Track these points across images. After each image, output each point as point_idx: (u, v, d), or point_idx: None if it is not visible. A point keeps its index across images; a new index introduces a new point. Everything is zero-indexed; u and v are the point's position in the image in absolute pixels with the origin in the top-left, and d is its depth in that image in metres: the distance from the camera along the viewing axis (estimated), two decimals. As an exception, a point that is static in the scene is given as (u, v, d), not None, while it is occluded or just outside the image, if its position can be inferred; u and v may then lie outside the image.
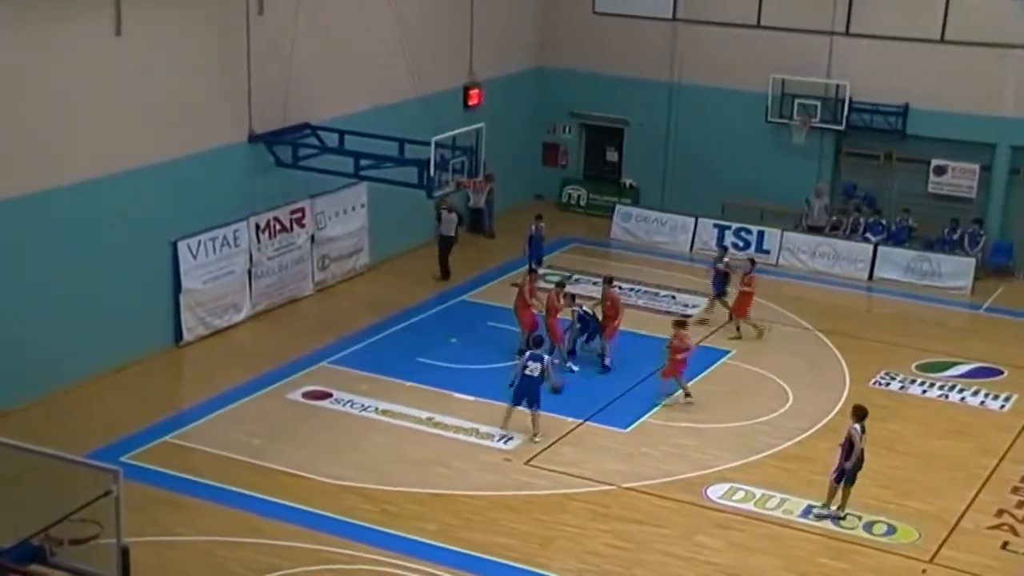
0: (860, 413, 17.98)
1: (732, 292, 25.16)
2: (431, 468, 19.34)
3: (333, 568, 16.48)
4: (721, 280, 25.47)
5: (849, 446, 17.87)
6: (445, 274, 27.27)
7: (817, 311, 26.56)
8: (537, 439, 19.98)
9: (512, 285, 25.05)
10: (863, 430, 17.90)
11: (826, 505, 18.21)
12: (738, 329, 24.52)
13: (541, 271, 26.56)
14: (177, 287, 23.14)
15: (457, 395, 21.67)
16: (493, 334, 24.15)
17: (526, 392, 20.07)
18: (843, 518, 18.06)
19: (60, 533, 12.49)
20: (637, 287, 27.24)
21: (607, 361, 22.74)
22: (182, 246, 23.12)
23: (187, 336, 23.44)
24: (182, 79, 22.77)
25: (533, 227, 27.68)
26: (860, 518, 18.21)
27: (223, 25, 23.39)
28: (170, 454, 19.45)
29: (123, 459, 18.76)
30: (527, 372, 20.02)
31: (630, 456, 19.99)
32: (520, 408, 20.17)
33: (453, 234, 27.38)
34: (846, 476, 17.99)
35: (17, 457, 12.77)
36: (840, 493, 18.11)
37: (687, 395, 21.49)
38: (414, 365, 22.73)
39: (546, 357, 20.22)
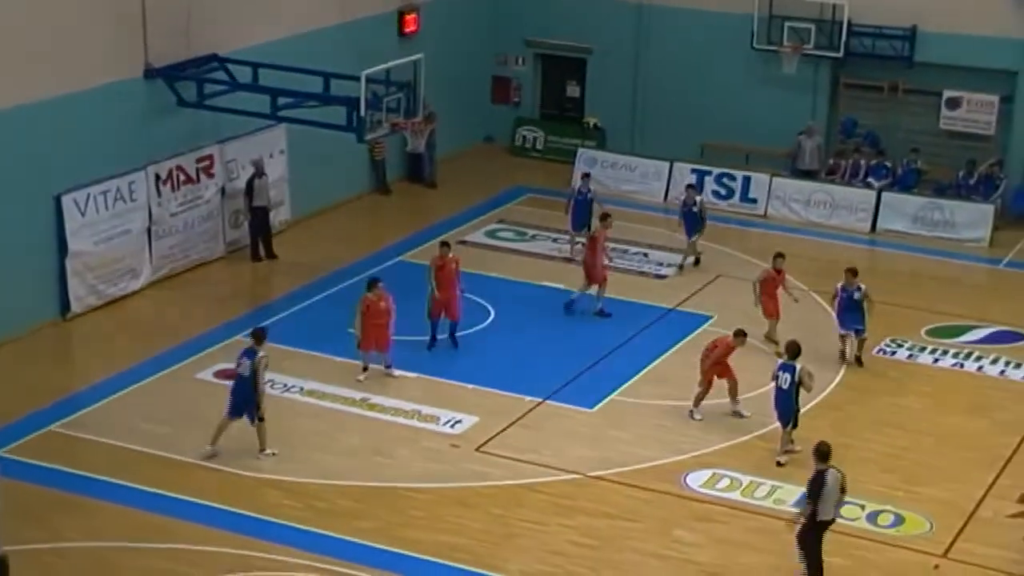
0: (792, 350, 19.39)
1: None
2: (367, 457, 19.36)
3: (253, 576, 16.48)
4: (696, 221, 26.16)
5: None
6: (271, 253, 26.14)
7: (812, 269, 26.64)
8: (267, 454, 19.04)
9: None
10: (787, 368, 19.21)
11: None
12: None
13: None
14: (63, 250, 22.96)
15: (396, 372, 21.69)
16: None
17: (241, 399, 18.90)
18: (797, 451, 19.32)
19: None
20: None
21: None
22: (67, 201, 22.91)
23: (76, 307, 23.28)
24: (63, 1, 22.45)
25: (579, 187, 27.06)
26: (863, 507, 18.39)
27: (112, -62, 23.18)
28: (57, 446, 19.31)
29: (1, 452, 18.63)
30: (239, 371, 18.85)
31: (597, 440, 20.09)
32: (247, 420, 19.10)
33: (267, 203, 26.01)
34: (783, 420, 19.45)
35: None
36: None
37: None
38: (345, 338, 22.62)
39: (259, 353, 18.69)
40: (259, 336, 19.02)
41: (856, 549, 17.56)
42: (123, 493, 18.10)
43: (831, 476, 16.33)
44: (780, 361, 19.60)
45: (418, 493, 18.48)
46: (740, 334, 20.55)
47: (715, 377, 20.58)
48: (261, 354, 18.79)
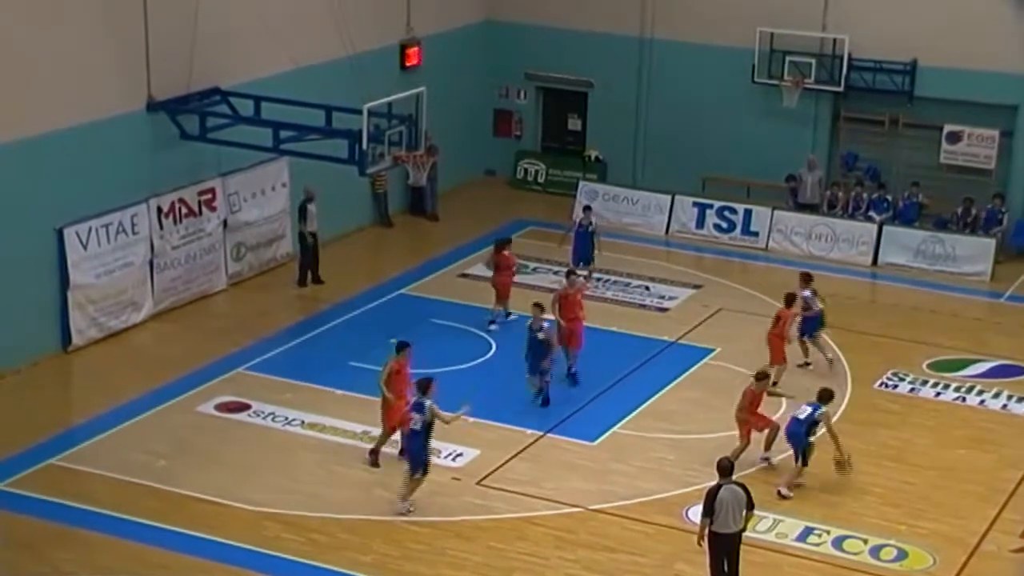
0: (824, 397, 19.57)
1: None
2: (367, 490, 19.28)
3: (252, 610, 16.44)
4: None
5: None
6: (317, 279, 26.59)
7: (814, 302, 26.71)
8: (409, 508, 18.65)
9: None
10: (813, 406, 19.38)
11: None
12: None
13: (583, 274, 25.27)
14: (64, 282, 22.94)
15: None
16: (438, 333, 24.10)
17: (408, 451, 18.82)
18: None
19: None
20: (605, 277, 27.24)
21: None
22: (69, 234, 22.91)
23: (77, 340, 23.25)
24: (66, 35, 22.52)
25: (580, 219, 26.93)
26: (866, 542, 18.34)
27: (115, -27, 23.26)
28: (58, 479, 19.23)
29: (1, 486, 18.58)
30: (412, 426, 18.46)
31: (599, 473, 20.02)
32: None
33: (315, 229, 26.52)
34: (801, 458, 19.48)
35: None
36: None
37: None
38: (346, 371, 22.64)
39: (427, 403, 18.36)
40: (424, 386, 18.47)
41: (859, 584, 17.49)
42: (123, 526, 18.02)
43: (726, 491, 16.41)
44: (810, 402, 19.50)
45: (418, 526, 18.40)
46: (762, 377, 20.25)
47: (753, 430, 20.04)
48: (429, 402, 18.36)
